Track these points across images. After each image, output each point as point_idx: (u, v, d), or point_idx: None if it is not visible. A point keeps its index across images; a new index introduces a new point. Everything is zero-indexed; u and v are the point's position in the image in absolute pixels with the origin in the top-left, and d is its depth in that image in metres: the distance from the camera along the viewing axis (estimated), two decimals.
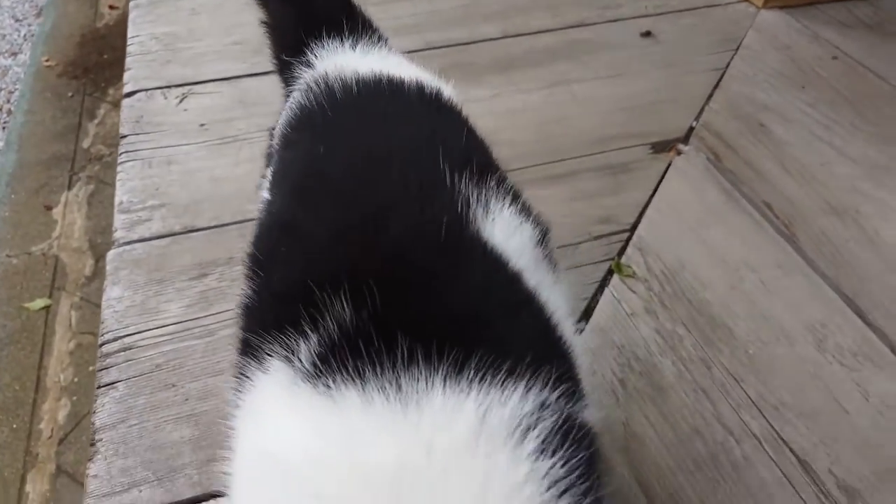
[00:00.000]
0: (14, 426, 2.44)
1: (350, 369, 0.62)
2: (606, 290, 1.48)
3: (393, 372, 0.61)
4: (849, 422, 1.24)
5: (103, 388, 1.29)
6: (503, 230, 0.77)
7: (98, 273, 2.70)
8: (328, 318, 0.66)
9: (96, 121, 3.14)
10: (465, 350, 0.62)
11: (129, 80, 2.05)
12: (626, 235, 1.60)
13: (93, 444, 1.23)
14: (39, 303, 2.61)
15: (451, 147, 0.82)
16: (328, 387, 0.62)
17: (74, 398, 2.45)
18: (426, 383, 0.61)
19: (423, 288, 0.69)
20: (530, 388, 0.62)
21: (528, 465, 0.57)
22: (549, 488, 0.57)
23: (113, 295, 1.45)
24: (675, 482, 1.16)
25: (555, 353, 0.71)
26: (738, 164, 1.77)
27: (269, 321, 0.71)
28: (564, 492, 0.58)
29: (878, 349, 1.35)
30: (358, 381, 0.62)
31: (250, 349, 0.71)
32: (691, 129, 1.90)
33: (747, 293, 1.45)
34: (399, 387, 0.60)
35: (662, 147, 1.84)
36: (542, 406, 0.61)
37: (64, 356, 2.62)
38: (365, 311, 0.65)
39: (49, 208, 2.71)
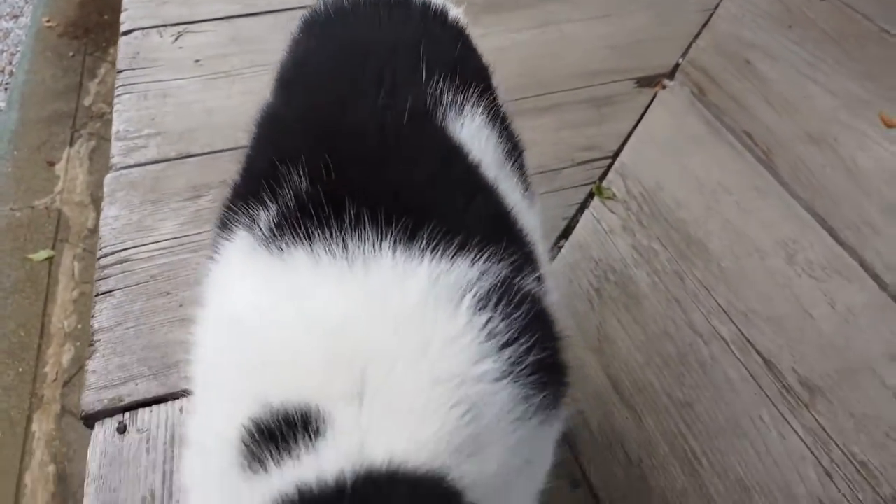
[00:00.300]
0: (20, 370, 2.51)
1: (300, 232, 0.65)
2: (587, 211, 1.52)
3: (340, 233, 0.64)
4: (814, 327, 1.29)
5: (101, 296, 1.35)
6: (470, 132, 0.79)
7: (98, 226, 2.75)
8: (286, 189, 0.69)
9: (97, 80, 3.16)
10: (417, 220, 0.65)
11: (126, 20, 2.08)
12: (608, 162, 1.64)
13: (91, 345, 1.29)
14: (43, 254, 2.66)
15: (437, 54, 0.85)
16: (280, 249, 0.66)
17: (78, 344, 2.52)
18: (374, 245, 0.63)
19: (379, 164, 0.72)
20: (477, 260, 0.64)
21: (466, 318, 0.60)
22: (487, 339, 0.60)
23: (110, 214, 1.50)
24: (643, 377, 1.21)
25: (507, 237, 0.73)
26: (721, 97, 1.81)
27: (238, 196, 0.76)
28: (505, 345, 0.60)
29: (847, 263, 1.40)
30: (306, 242, 0.65)
31: (222, 222, 0.75)
32: (677, 65, 1.93)
33: (723, 213, 1.50)
34: (345, 247, 0.63)
35: (648, 82, 1.87)
36: (485, 273, 0.64)
37: (67, 304, 2.68)
38: (319, 181, 0.68)
39: (51, 164, 2.76)
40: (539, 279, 0.73)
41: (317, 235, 0.65)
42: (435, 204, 0.70)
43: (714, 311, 1.31)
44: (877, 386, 1.20)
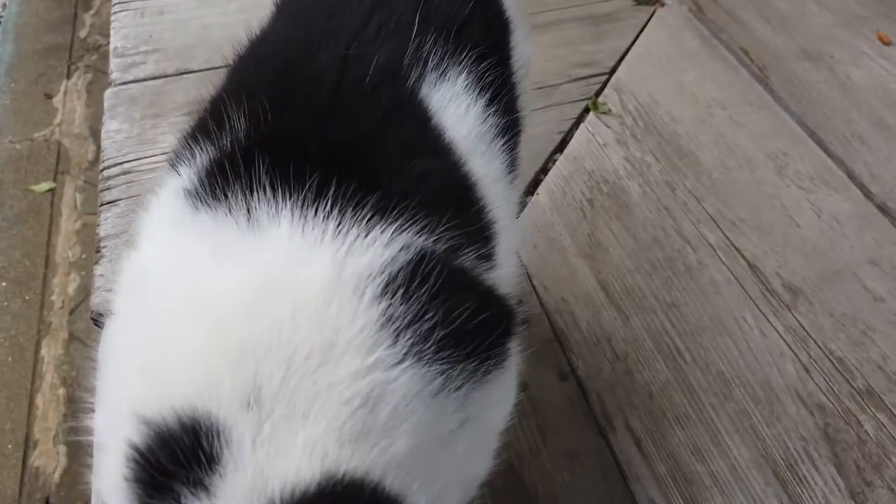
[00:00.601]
0: (27, 297, 2.56)
1: (215, 190, 0.60)
2: (582, 126, 1.54)
3: (244, 195, 0.58)
4: (799, 234, 1.32)
5: (106, 206, 1.38)
6: (444, 98, 0.73)
7: (99, 158, 2.76)
8: (223, 134, 0.64)
9: (92, 11, 3.12)
10: (333, 181, 0.58)
11: None
12: (604, 78, 1.65)
13: (98, 251, 1.33)
14: (44, 185, 2.67)
15: (442, 7, 0.78)
16: (195, 207, 0.61)
17: (83, 273, 2.56)
18: (273, 212, 0.57)
19: (318, 119, 0.66)
20: (396, 233, 0.59)
21: (367, 309, 0.55)
22: (383, 327, 0.55)
23: (112, 128, 1.53)
24: (632, 281, 1.26)
25: (454, 210, 0.66)
26: (719, 14, 1.80)
27: (189, 130, 0.70)
28: (404, 328, 0.56)
29: (835, 174, 1.42)
30: (214, 204, 0.59)
31: (171, 157, 0.70)
32: None
33: (716, 126, 1.52)
34: (248, 214, 0.58)
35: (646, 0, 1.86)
36: (401, 250, 0.58)
37: (70, 235, 2.72)
38: (251, 129, 0.63)
39: (49, 96, 2.74)
40: (485, 255, 0.68)
41: (227, 196, 0.59)
42: (363, 165, 0.63)
43: (703, 219, 1.35)
44: (857, 289, 1.24)
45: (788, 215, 1.35)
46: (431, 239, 0.61)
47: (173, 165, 0.68)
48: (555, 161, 1.48)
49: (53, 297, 2.56)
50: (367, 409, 0.54)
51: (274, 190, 0.58)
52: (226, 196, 0.59)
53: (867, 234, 1.32)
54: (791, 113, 1.54)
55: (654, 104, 1.56)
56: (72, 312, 2.50)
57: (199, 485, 0.51)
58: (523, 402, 1.11)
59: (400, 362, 0.55)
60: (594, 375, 1.14)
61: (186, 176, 0.64)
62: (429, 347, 0.57)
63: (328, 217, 0.58)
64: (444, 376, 0.57)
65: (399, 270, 0.57)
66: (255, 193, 0.58)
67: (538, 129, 1.53)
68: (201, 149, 0.64)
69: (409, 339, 0.56)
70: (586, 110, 1.57)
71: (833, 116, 1.53)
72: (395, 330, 0.56)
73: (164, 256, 0.62)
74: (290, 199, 0.58)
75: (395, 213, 0.60)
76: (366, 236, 0.58)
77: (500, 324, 0.66)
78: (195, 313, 0.57)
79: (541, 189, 1.42)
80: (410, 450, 0.56)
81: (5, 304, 2.55)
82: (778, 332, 1.18)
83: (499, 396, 0.68)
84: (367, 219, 0.58)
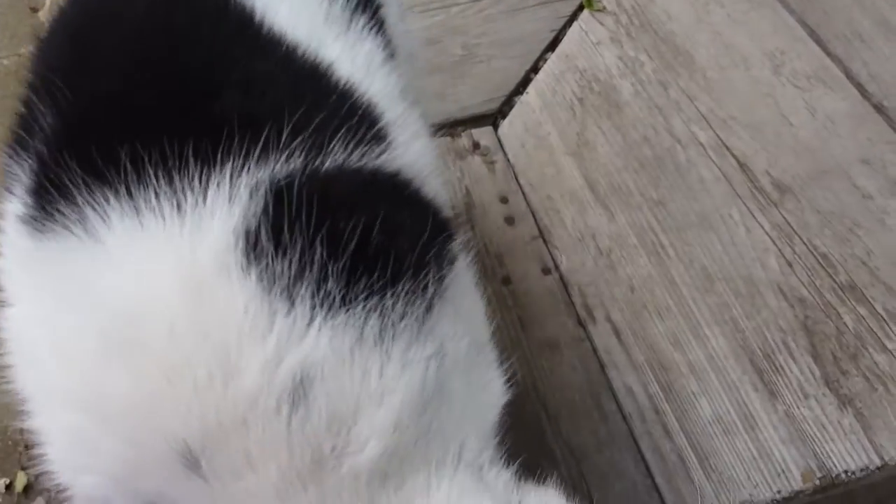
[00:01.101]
0: None
1: (41, 208, 0.51)
2: (575, 24, 1.50)
3: (74, 206, 0.49)
4: (792, 133, 1.30)
5: None
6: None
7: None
8: (34, 139, 0.55)
9: None
10: (153, 150, 0.48)
11: None
12: None
13: None
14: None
15: None
16: (34, 236, 0.52)
17: None
18: (105, 218, 0.48)
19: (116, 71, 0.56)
20: (239, 177, 0.48)
21: (246, 285, 0.45)
22: (266, 297, 0.45)
23: None
24: (619, 179, 1.25)
25: (307, 104, 0.54)
26: None
27: (7, 154, 0.60)
28: (294, 285, 0.46)
29: (832, 74, 1.39)
30: (48, 226, 0.50)
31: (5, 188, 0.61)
32: None
33: (713, 24, 1.47)
34: (84, 226, 0.49)
35: None
36: (250, 197, 0.48)
37: None
38: (54, 120, 0.53)
39: (35, 10, 2.67)
40: (372, 138, 0.56)
41: (56, 212, 0.49)
42: (174, 111, 0.52)
43: (694, 118, 1.32)
44: (847, 187, 1.23)
45: (782, 114, 1.33)
46: (284, 159, 0.50)
47: (8, 189, 0.56)
48: (546, 60, 1.44)
49: None
50: (304, 406, 0.44)
51: (90, 189, 0.48)
52: (56, 211, 0.49)
53: (861, 134, 1.29)
54: (791, 11, 1.49)
55: (649, 2, 1.51)
56: None
57: None
58: (505, 295, 1.12)
59: (309, 324, 0.45)
60: (577, 270, 1.14)
61: (19, 198, 0.54)
62: (334, 290, 0.46)
63: (154, 201, 0.47)
64: (376, 312, 0.47)
65: (258, 224, 0.47)
66: (78, 200, 0.48)
67: (529, 27, 1.49)
68: (22, 162, 0.54)
69: (306, 292, 0.46)
70: (580, 8, 1.53)
71: (834, 15, 1.48)
72: (285, 291, 0.45)
73: (26, 313, 0.52)
74: (108, 196, 0.48)
75: (226, 155, 0.48)
76: (204, 203, 0.47)
77: (417, 224, 0.55)
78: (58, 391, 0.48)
79: (531, 88, 1.39)
80: (396, 423, 0.46)
81: None
82: (763, 229, 1.17)
83: (464, 307, 0.57)
84: (196, 180, 0.47)
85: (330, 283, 0.46)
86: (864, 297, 1.09)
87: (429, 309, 0.50)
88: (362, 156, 0.54)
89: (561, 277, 1.13)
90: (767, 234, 1.17)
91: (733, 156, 1.27)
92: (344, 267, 0.47)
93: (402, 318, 0.48)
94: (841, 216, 1.19)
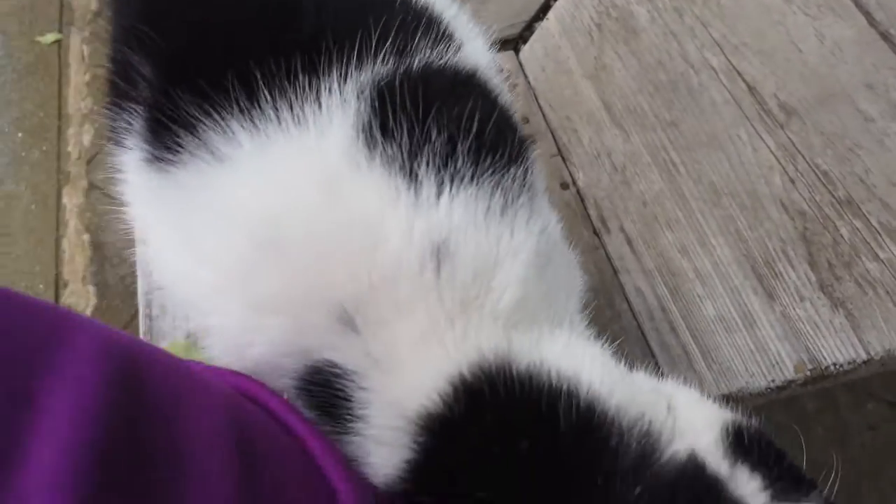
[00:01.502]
0: (44, 148, 2.61)
1: (164, 146, 0.58)
2: None
3: (194, 136, 0.55)
4: (801, 59, 1.36)
5: None
6: None
7: (104, 8, 2.73)
8: (138, 87, 0.60)
9: None
10: (266, 64, 0.54)
11: None
12: None
13: None
14: (50, 37, 2.65)
15: None
16: (163, 172, 0.59)
17: (97, 125, 2.60)
18: (231, 138, 0.54)
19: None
20: (351, 82, 0.55)
21: (374, 165, 0.53)
22: (395, 171, 0.53)
23: None
24: (634, 101, 1.31)
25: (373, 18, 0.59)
26: None
27: (108, 109, 0.67)
28: (418, 159, 0.53)
29: (841, 2, 1.44)
30: (174, 159, 0.57)
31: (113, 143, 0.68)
32: None
33: None
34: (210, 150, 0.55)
35: None
36: (360, 96, 0.55)
37: (81, 87, 2.74)
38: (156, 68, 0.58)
39: None
40: (445, 38, 0.62)
41: (179, 146, 0.56)
42: (275, 26, 0.58)
43: (707, 44, 1.38)
44: (850, 110, 1.29)
45: (792, 41, 1.38)
46: (379, 62, 0.56)
47: (119, 143, 0.63)
48: None
49: (69, 149, 2.63)
50: (450, 263, 0.51)
51: (209, 115, 0.55)
52: (179, 145, 0.56)
53: (867, 60, 1.35)
54: None
55: None
56: (89, 163, 2.58)
57: None
58: None
59: (439, 196, 0.53)
60: (593, 185, 1.22)
61: (136, 146, 0.60)
62: (463, 168, 0.54)
63: (274, 116, 0.54)
64: (499, 189, 0.55)
65: (370, 120, 0.54)
66: (199, 129, 0.55)
67: None
68: (130, 113, 0.60)
69: (431, 170, 0.53)
70: None
71: None
72: (409, 171, 0.53)
73: (168, 242, 0.60)
74: (228, 119, 0.54)
75: (328, 66, 0.55)
76: (320, 110, 0.54)
77: (510, 117, 0.64)
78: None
79: (550, 14, 1.45)
80: (525, 278, 0.54)
81: (23, 154, 2.61)
82: (769, 148, 1.25)
83: (544, 198, 0.65)
84: (309, 92, 0.54)
85: (459, 162, 0.54)
86: (860, 211, 1.17)
87: (533, 195, 0.59)
88: (442, 54, 0.60)
89: (578, 192, 1.22)
90: (773, 153, 1.24)
91: (743, 80, 1.33)
92: (470, 147, 0.54)
93: (518, 196, 0.57)
94: (843, 137, 1.26)
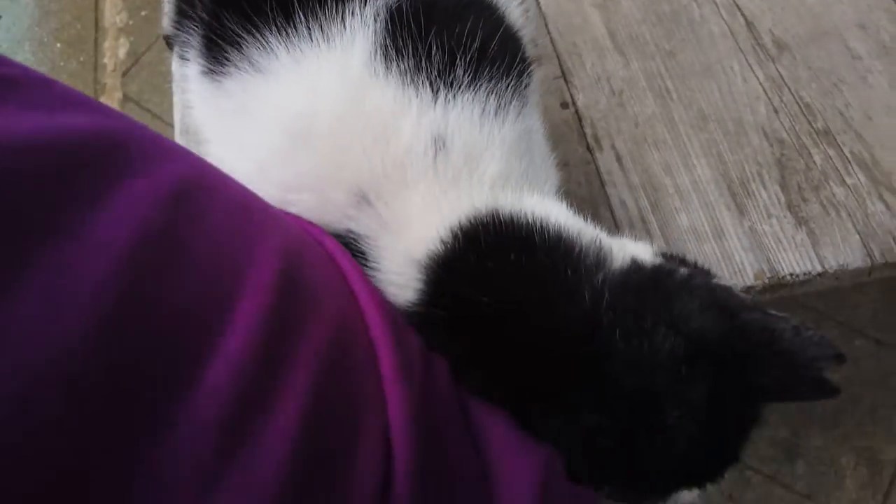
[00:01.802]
0: (81, 59, 2.74)
1: (217, 60, 0.69)
2: None
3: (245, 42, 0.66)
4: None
5: None
6: None
7: None
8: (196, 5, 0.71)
9: None
10: None
11: None
12: None
13: None
14: None
15: None
16: (217, 82, 0.71)
17: (132, 38, 2.71)
18: (271, 50, 0.65)
19: None
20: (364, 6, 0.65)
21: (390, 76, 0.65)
22: (406, 82, 0.65)
23: None
24: (637, 30, 1.41)
25: None
26: None
27: (174, 26, 0.78)
28: (426, 72, 0.65)
29: None
30: (225, 70, 0.69)
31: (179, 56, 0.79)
32: None
33: None
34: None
35: None
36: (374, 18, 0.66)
37: (116, 1, 2.85)
38: None
39: None
40: None
41: (227, 59, 0.69)
42: None
43: None
44: (840, 48, 1.38)
45: None
46: None
47: (184, 57, 0.75)
48: None
49: (105, 60, 2.76)
50: (445, 150, 0.63)
51: (251, 34, 0.66)
52: (227, 60, 0.67)
53: (861, 2, 1.43)
54: None
55: None
56: (124, 75, 2.71)
57: None
58: None
59: (435, 98, 0.64)
60: (591, 106, 1.33)
61: (195, 60, 0.72)
62: (461, 76, 0.65)
63: (307, 34, 0.65)
64: (494, 94, 0.66)
65: (386, 38, 0.65)
66: (244, 46, 0.66)
67: None
68: (191, 30, 0.71)
69: (434, 78, 0.64)
70: None
71: None
72: (417, 79, 0.64)
73: (222, 140, 0.72)
74: (268, 37, 0.66)
75: None
76: (345, 29, 0.65)
77: (515, 35, 0.76)
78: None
79: None
80: (507, 156, 0.66)
81: (62, 64, 2.75)
82: (758, 80, 1.35)
83: (537, 114, 0.78)
84: (335, 14, 0.65)
85: (459, 71, 0.66)
86: (835, 141, 1.27)
87: (525, 103, 0.71)
88: None
89: (576, 111, 1.33)
90: (761, 84, 1.34)
91: (742, 15, 1.42)
92: (470, 60, 0.66)
93: (510, 102, 0.69)
94: (829, 73, 1.35)
